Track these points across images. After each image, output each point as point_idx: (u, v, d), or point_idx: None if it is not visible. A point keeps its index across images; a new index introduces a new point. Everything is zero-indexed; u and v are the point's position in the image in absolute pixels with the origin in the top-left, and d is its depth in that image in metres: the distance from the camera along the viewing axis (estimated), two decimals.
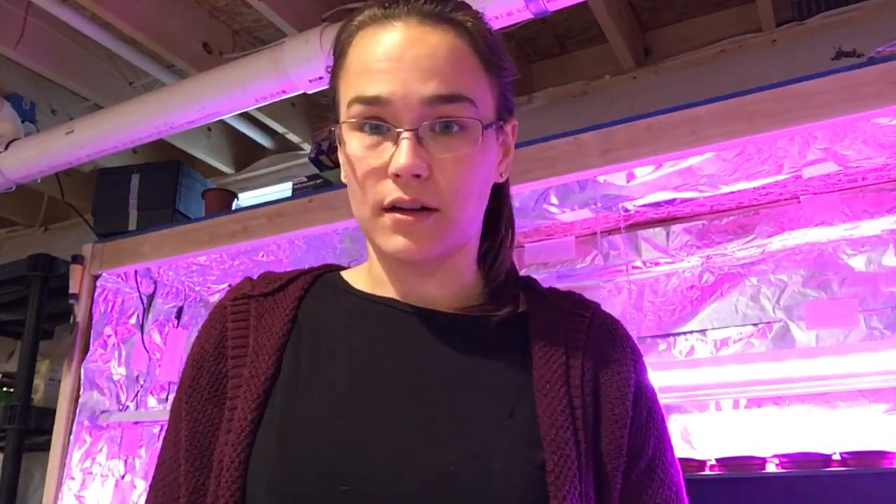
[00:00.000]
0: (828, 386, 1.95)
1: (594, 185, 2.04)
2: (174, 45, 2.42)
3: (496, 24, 1.92)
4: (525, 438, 0.67)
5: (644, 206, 2.16)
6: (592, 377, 0.72)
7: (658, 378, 1.97)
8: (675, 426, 2.17)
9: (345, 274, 0.87)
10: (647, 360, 2.39)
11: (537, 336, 0.74)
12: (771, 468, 1.77)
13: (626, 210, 2.18)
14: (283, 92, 2.21)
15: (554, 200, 2.15)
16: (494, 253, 0.82)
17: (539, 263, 2.41)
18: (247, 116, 2.98)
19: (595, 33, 2.58)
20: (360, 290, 0.82)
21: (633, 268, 2.32)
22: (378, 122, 0.72)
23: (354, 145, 0.73)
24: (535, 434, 0.67)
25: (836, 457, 1.73)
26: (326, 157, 2.45)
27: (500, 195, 0.83)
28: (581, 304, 0.80)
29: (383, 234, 0.72)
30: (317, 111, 3.10)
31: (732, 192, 2.06)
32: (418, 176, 0.70)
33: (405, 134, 0.70)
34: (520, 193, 2.07)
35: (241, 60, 2.26)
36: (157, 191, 2.70)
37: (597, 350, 0.74)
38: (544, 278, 2.42)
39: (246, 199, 3.11)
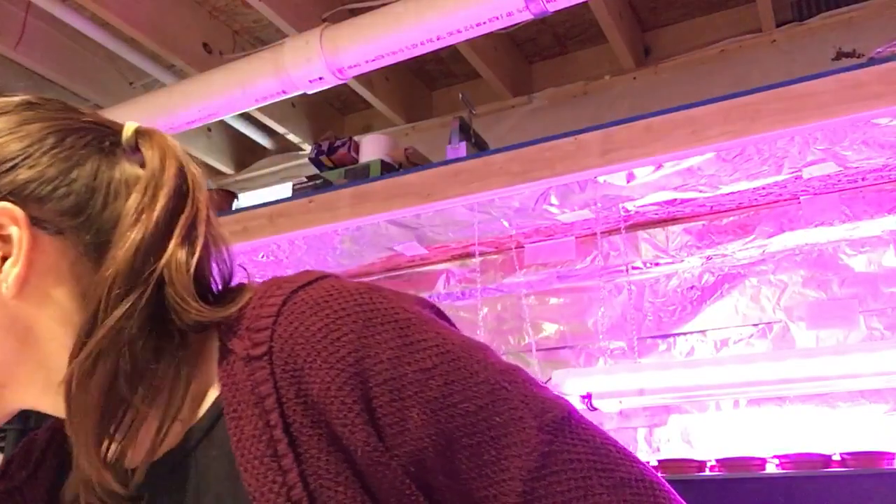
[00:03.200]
0: (828, 386, 1.95)
1: (594, 186, 2.04)
2: (174, 46, 2.42)
3: (496, 25, 1.92)
4: None
5: (644, 206, 2.16)
6: (311, 419, 0.53)
7: (658, 378, 1.99)
8: (676, 426, 2.17)
9: None
10: (648, 360, 2.39)
11: (230, 427, 0.54)
12: (771, 468, 1.77)
13: (627, 210, 2.18)
14: (283, 92, 2.21)
15: (554, 201, 2.15)
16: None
17: (539, 264, 2.41)
18: (247, 117, 2.98)
19: (595, 33, 2.58)
20: None
21: (634, 268, 2.32)
22: None
23: None
24: None
25: (836, 457, 1.73)
26: (327, 157, 2.45)
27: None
28: (259, 333, 0.55)
29: None
30: (317, 112, 3.10)
31: (732, 193, 2.06)
32: None
33: None
34: (520, 194, 2.07)
35: (241, 61, 2.27)
36: None
37: (293, 371, 0.53)
38: (544, 278, 2.42)
39: (246, 199, 3.11)
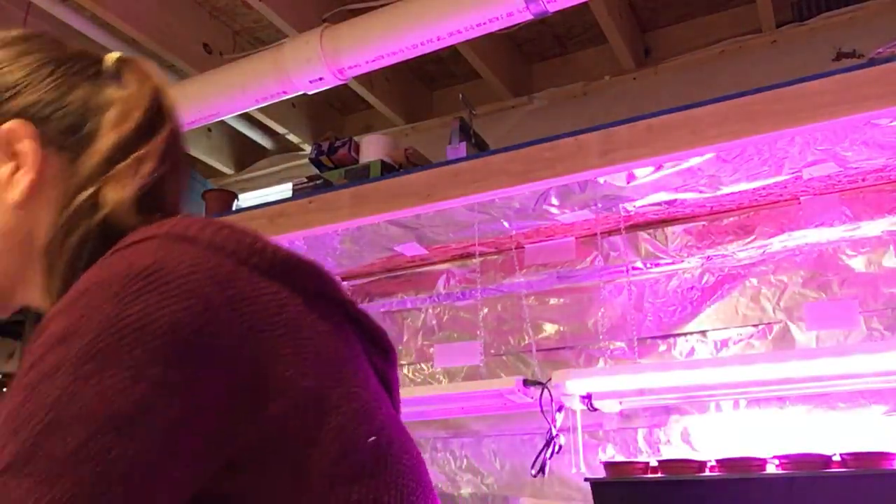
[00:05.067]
0: (828, 387, 1.95)
1: (594, 186, 2.04)
2: (174, 46, 2.42)
3: (496, 25, 1.92)
4: None
5: (644, 206, 2.16)
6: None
7: (658, 379, 1.99)
8: (676, 427, 2.17)
9: None
10: (648, 360, 2.39)
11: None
12: (771, 469, 1.77)
13: (627, 211, 2.18)
14: (284, 93, 2.21)
15: (554, 201, 2.15)
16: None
17: (539, 264, 2.41)
18: (247, 117, 2.98)
19: (595, 34, 2.59)
20: None
21: (634, 268, 2.32)
22: None
23: None
24: None
25: (836, 458, 1.73)
26: (327, 157, 2.45)
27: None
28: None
29: None
30: (317, 112, 3.10)
31: (733, 193, 2.06)
32: None
33: None
34: (520, 194, 2.07)
35: (241, 61, 2.27)
36: None
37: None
38: (544, 279, 2.42)
39: (246, 199, 3.11)
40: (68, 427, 0.47)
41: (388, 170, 2.29)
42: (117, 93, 0.67)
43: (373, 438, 0.58)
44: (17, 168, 0.64)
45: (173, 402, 0.49)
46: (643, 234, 2.29)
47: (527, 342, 2.45)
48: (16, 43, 0.68)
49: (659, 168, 1.94)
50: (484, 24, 1.90)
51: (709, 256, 2.22)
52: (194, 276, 0.52)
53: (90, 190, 0.62)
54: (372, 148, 2.40)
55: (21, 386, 0.50)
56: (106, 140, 0.64)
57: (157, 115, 0.67)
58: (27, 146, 0.64)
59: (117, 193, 0.62)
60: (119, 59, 0.70)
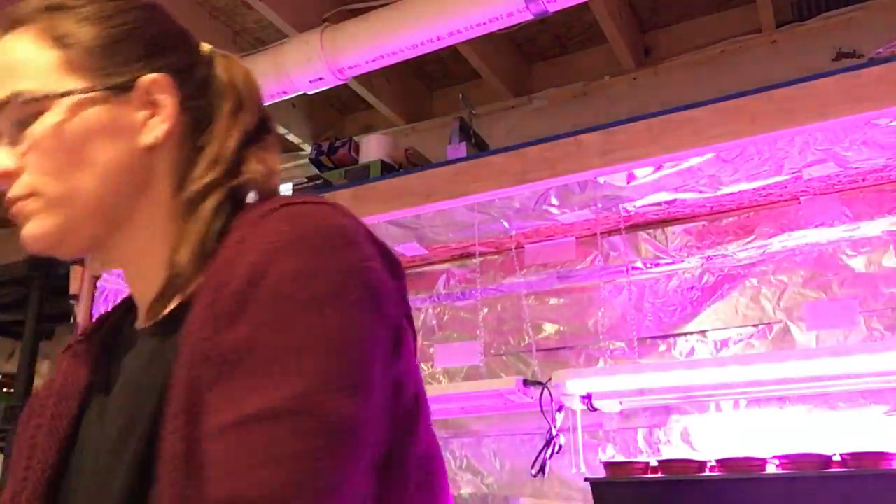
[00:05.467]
0: (828, 387, 1.95)
1: (594, 186, 2.04)
2: None
3: (496, 25, 1.92)
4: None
5: (644, 206, 2.16)
6: (211, 319, 0.58)
7: (658, 379, 1.99)
8: (676, 427, 2.17)
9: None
10: (648, 360, 2.39)
11: (192, 310, 0.61)
12: (771, 469, 1.77)
13: (627, 211, 2.18)
14: (284, 93, 2.21)
15: (554, 201, 2.15)
16: (189, 231, 0.68)
17: (539, 264, 2.41)
18: None
19: (595, 34, 2.59)
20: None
21: (634, 268, 2.32)
22: None
23: None
24: None
25: (836, 458, 1.73)
26: (327, 157, 2.45)
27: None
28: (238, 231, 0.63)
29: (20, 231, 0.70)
30: (317, 112, 3.10)
31: (733, 193, 2.06)
32: (9, 174, 0.69)
33: None
34: (520, 194, 2.07)
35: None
36: None
37: (217, 283, 0.59)
38: (544, 279, 2.42)
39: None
40: (347, 351, 0.56)
41: (388, 170, 2.29)
42: (227, 78, 0.76)
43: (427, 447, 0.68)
44: (152, 116, 0.70)
45: (384, 338, 0.61)
46: (643, 234, 2.29)
47: (527, 342, 2.45)
48: (155, 6, 0.75)
49: (659, 168, 1.94)
50: (484, 24, 1.90)
51: (709, 256, 2.22)
52: (372, 238, 0.64)
53: (231, 159, 0.70)
54: (372, 148, 2.40)
55: (277, 319, 0.56)
56: (243, 117, 0.73)
57: (258, 109, 0.76)
58: (167, 99, 0.71)
59: (256, 167, 0.71)
60: (212, 51, 0.78)
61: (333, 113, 3.18)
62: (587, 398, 2.05)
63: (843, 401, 1.99)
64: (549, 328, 2.44)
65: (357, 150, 2.44)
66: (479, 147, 2.30)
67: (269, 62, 2.17)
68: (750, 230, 2.16)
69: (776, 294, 2.16)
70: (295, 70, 2.13)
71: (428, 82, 3.01)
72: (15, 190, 0.69)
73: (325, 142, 2.49)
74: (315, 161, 2.48)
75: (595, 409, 2.09)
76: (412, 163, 2.32)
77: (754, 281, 2.19)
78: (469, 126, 2.31)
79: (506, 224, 2.27)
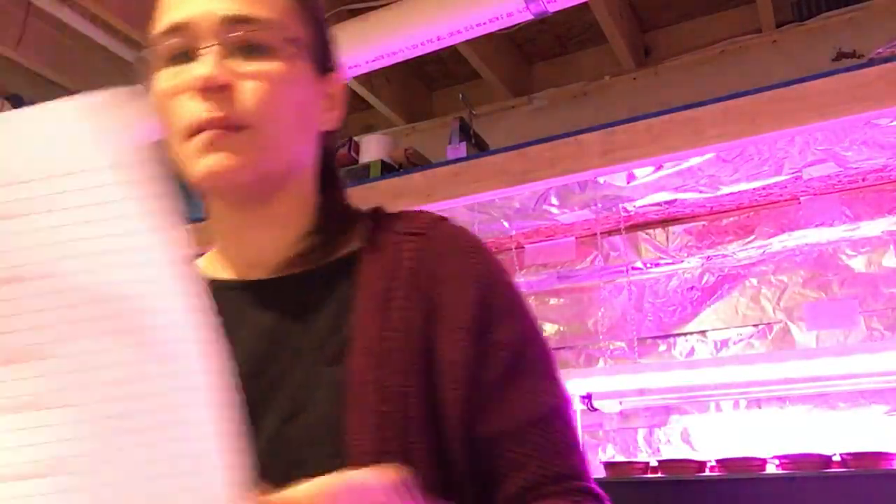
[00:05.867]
0: (828, 387, 1.95)
1: (594, 186, 2.04)
2: None
3: (496, 25, 1.92)
4: (336, 381, 0.66)
5: (644, 206, 2.16)
6: (424, 292, 0.69)
7: (658, 379, 1.99)
8: (676, 427, 2.17)
9: (201, 261, 0.84)
10: (648, 360, 2.40)
11: (364, 271, 0.71)
12: (771, 469, 1.77)
13: (627, 211, 2.18)
14: None
15: (554, 201, 2.15)
16: (330, 199, 0.79)
17: (539, 264, 2.41)
18: None
19: (595, 34, 2.59)
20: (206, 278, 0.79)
21: (634, 268, 2.32)
22: (181, 50, 0.67)
23: (161, 81, 0.68)
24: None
25: (836, 458, 1.73)
26: None
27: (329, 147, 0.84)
28: (419, 222, 0.75)
29: (194, 159, 0.67)
30: None
31: (733, 193, 2.06)
32: (223, 89, 0.66)
33: (205, 49, 0.66)
34: (520, 194, 2.07)
35: None
36: None
37: (432, 263, 0.71)
38: (544, 279, 2.42)
39: None
40: (544, 345, 0.73)
41: (388, 170, 2.29)
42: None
43: None
44: (331, 108, 0.78)
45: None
46: (643, 234, 2.29)
47: None
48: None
49: (659, 168, 1.94)
50: (484, 24, 1.90)
51: (709, 256, 2.22)
52: None
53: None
54: (372, 148, 2.40)
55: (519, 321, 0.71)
56: (339, 112, 0.81)
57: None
58: (341, 99, 0.79)
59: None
60: None
61: None
62: (587, 398, 2.06)
63: (843, 401, 1.99)
64: (549, 328, 2.44)
65: (357, 150, 2.44)
66: (479, 147, 2.30)
67: None
68: (750, 230, 2.16)
69: (776, 294, 2.16)
70: None
71: (428, 82, 3.01)
72: (234, 114, 0.66)
73: None
74: None
75: (595, 409, 2.09)
76: (412, 163, 2.32)
77: (754, 281, 2.19)
78: (469, 126, 2.31)
79: (506, 224, 2.27)
